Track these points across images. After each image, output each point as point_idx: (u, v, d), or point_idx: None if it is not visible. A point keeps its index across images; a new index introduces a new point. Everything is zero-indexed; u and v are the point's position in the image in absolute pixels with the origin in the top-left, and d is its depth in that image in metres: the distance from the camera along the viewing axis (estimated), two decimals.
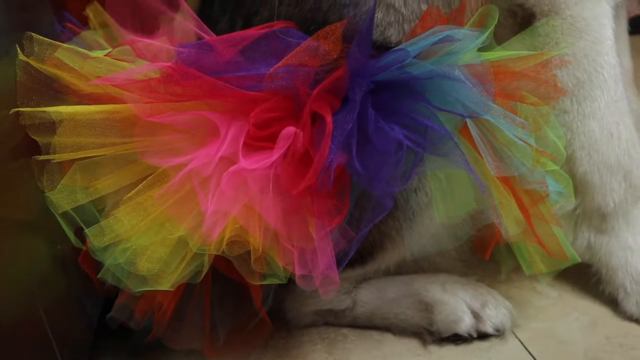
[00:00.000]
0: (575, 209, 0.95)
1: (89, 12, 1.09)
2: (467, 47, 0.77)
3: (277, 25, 0.86)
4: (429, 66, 0.75)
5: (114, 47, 0.89)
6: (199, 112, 0.77)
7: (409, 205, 0.89)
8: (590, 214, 0.94)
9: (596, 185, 0.92)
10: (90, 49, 0.98)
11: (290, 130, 0.75)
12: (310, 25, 0.89)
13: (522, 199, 0.84)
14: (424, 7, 0.86)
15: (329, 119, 0.74)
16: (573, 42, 0.86)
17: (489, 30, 0.79)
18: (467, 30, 0.79)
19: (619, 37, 1.11)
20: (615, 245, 0.94)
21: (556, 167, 0.87)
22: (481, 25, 0.82)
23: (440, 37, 0.77)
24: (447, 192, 0.83)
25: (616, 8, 0.89)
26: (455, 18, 0.82)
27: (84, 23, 1.05)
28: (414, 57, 0.75)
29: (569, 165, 0.92)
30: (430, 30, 0.78)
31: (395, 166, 0.75)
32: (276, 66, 0.77)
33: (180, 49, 0.79)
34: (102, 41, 1.02)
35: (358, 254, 0.86)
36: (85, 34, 1.02)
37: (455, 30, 0.78)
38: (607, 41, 0.88)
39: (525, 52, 0.81)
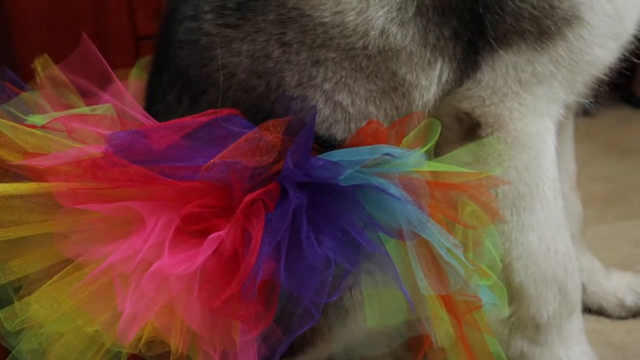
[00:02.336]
0: (510, 315, 0.94)
1: (37, 65, 1.06)
2: (405, 164, 0.77)
3: (222, 112, 0.84)
4: (365, 178, 0.75)
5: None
6: (126, 202, 0.74)
7: (342, 303, 0.86)
8: (525, 323, 0.94)
9: (531, 296, 0.91)
10: (30, 111, 0.95)
11: (216, 235, 0.73)
12: (257, 113, 0.88)
13: (455, 307, 0.83)
14: (371, 108, 0.86)
15: (257, 230, 0.72)
16: (516, 155, 0.87)
17: (429, 144, 0.80)
18: (404, 150, 0.79)
19: (564, 143, 1.13)
20: (547, 357, 0.93)
21: (491, 278, 0.86)
22: (425, 135, 0.82)
23: (378, 155, 0.76)
24: (383, 294, 0.81)
25: (559, 124, 0.91)
26: (398, 129, 0.82)
27: None
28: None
29: (506, 273, 0.91)
30: (370, 147, 0.78)
31: (324, 281, 0.73)
32: (213, 160, 0.76)
33: (113, 135, 0.77)
34: (43, 103, 0.99)
35: (288, 348, 0.83)
36: (26, 96, 0.98)
37: (394, 148, 0.78)
38: (549, 157, 0.89)
39: (466, 170, 0.81)
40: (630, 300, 1.16)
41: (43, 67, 1.06)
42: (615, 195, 1.73)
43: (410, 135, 0.83)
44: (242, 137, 0.79)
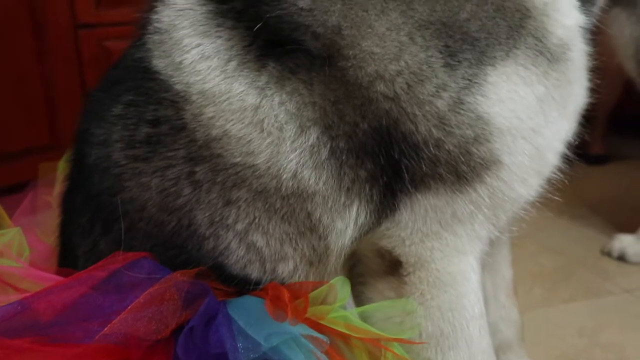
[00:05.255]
0: None
1: None
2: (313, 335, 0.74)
3: (129, 257, 0.80)
4: (271, 356, 0.71)
5: None
6: None
7: None
8: None
9: None
10: None
11: None
12: (168, 249, 0.84)
13: None
14: (287, 249, 0.82)
15: None
16: (439, 295, 0.84)
17: (339, 303, 0.76)
18: (313, 332, 0.75)
19: (500, 248, 1.11)
20: None
21: None
22: (334, 294, 0.79)
23: (281, 339, 0.72)
24: None
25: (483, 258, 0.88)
26: (301, 292, 0.79)
27: None
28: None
29: None
30: (272, 330, 0.74)
31: None
32: (110, 326, 0.71)
33: None
34: None
35: None
36: None
37: (300, 328, 0.74)
38: (472, 295, 0.85)
39: (382, 333, 0.78)
40: None
41: None
42: (563, 273, 1.72)
43: (322, 292, 0.79)
44: (147, 292, 0.74)
